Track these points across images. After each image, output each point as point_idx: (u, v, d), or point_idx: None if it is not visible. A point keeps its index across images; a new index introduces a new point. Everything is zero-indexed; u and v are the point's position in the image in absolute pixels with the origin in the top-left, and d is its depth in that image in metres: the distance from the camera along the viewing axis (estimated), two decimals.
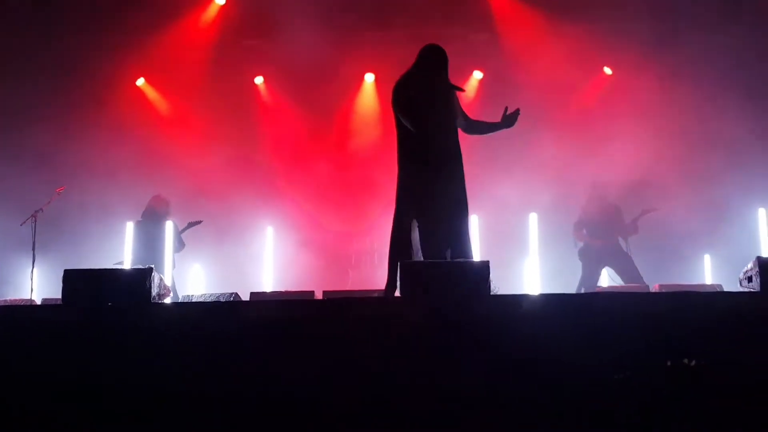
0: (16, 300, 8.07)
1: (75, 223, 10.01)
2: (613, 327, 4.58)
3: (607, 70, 10.83)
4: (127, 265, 8.95)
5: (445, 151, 5.80)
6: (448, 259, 5.66)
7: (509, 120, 5.98)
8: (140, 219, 9.11)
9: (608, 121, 10.33)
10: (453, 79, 5.94)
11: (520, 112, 5.96)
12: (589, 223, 9.10)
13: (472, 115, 6.22)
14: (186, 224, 9.28)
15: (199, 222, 9.33)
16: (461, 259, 5.51)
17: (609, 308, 4.71)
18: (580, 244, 9.14)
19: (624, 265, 8.92)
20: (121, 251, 9.43)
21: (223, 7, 10.62)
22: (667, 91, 9.97)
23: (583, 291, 8.78)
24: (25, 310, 5.73)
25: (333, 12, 10.26)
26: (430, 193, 5.76)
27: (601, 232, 9.00)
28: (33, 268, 8.14)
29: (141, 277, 5.10)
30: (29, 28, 10.33)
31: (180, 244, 9.25)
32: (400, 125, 5.89)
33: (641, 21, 10.17)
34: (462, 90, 5.97)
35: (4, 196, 9.67)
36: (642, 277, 8.73)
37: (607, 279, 9.26)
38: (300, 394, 4.49)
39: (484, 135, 6.25)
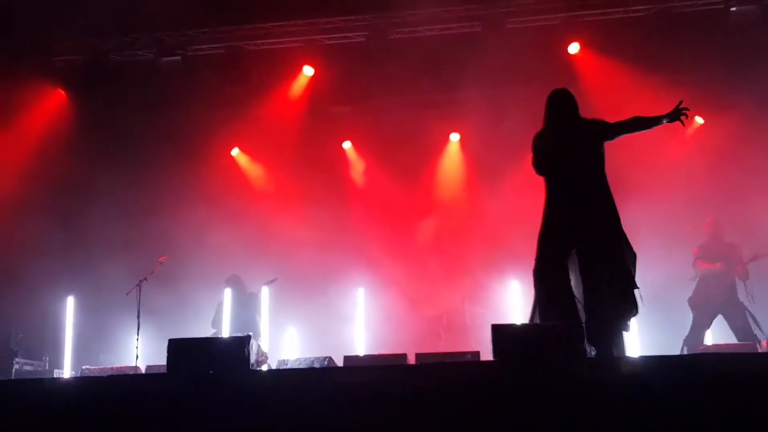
0: (122, 367, 8.38)
1: (176, 292, 10.36)
2: (719, 390, 4.42)
3: (699, 120, 10.61)
4: (225, 332, 9.25)
5: (576, 193, 5.64)
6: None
7: (675, 114, 5.71)
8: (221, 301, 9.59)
9: (699, 167, 10.11)
10: (535, 129, 5.91)
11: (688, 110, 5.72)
12: (705, 255, 8.99)
13: None
14: (264, 283, 9.62)
15: (275, 280, 9.61)
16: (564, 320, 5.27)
17: (713, 371, 4.55)
18: (695, 284, 8.92)
19: (736, 316, 8.60)
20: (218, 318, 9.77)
21: (311, 78, 10.99)
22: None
23: (685, 348, 8.47)
24: (131, 379, 5.97)
25: (413, 79, 10.47)
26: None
27: (720, 259, 8.87)
28: (137, 335, 8.44)
29: (240, 345, 5.26)
30: (136, 106, 10.97)
31: (259, 312, 9.69)
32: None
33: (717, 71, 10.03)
34: (597, 120, 5.82)
35: (115, 265, 10.11)
36: (754, 333, 8.37)
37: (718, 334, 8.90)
38: None
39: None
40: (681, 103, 5.71)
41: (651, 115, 5.84)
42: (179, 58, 10.70)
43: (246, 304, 9.66)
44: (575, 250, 5.55)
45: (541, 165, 5.73)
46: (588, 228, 5.53)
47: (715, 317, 8.82)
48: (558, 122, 5.75)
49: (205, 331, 9.56)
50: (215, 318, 9.80)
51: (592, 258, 5.49)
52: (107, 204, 10.78)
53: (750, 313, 8.63)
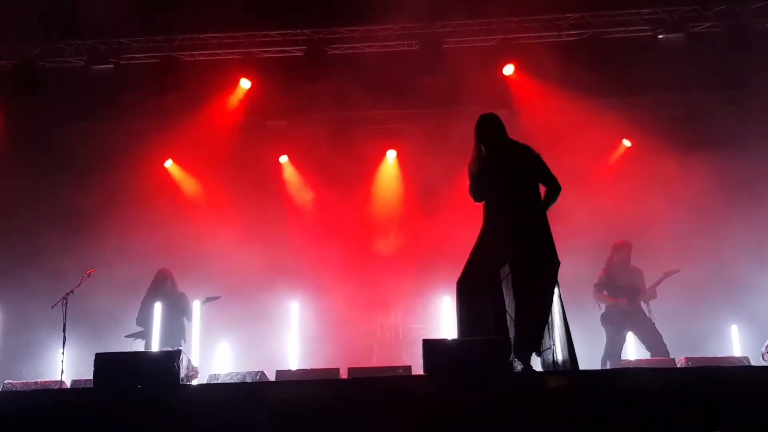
0: (47, 382, 8.13)
1: (105, 305, 10.14)
2: (641, 402, 4.57)
3: (626, 143, 10.97)
4: (155, 344, 9.05)
5: (510, 214, 5.78)
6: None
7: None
8: (147, 296, 9.29)
9: (624, 190, 10.43)
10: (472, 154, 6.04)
11: None
12: (611, 284, 9.04)
13: None
14: (204, 299, 9.39)
15: (218, 298, 9.40)
16: (487, 337, 5.41)
17: (635, 384, 4.70)
18: (602, 308, 9.05)
19: (648, 334, 8.80)
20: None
21: (248, 90, 10.94)
22: (690, 164, 10.07)
23: (608, 363, 8.67)
24: (56, 394, 5.82)
25: (351, 94, 10.55)
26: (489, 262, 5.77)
27: (624, 293, 8.94)
28: (63, 349, 8.22)
29: (170, 360, 5.20)
30: (67, 116, 10.74)
31: (188, 316, 9.37)
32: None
33: (658, 95, 10.42)
34: (526, 147, 5.97)
35: (36, 278, 9.86)
36: (666, 347, 8.62)
37: (634, 347, 9.08)
38: None
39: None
40: None
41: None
42: (112, 66, 10.50)
43: (175, 304, 9.32)
44: (508, 266, 5.69)
45: (476, 192, 5.90)
46: (520, 247, 5.66)
47: (627, 332, 9.02)
48: (488, 147, 5.90)
49: (131, 341, 9.29)
50: (140, 315, 9.42)
51: (523, 275, 5.62)
52: (33, 215, 10.53)
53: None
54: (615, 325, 8.91)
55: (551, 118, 10.41)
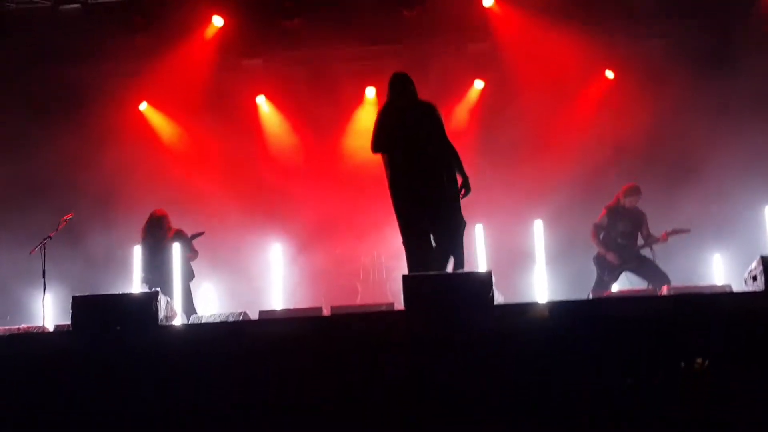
0: (30, 327, 8.09)
1: (84, 250, 10.05)
2: (621, 332, 4.58)
3: (609, 74, 10.84)
4: (137, 287, 8.93)
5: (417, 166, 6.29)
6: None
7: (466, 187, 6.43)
8: (143, 238, 9.00)
9: (609, 124, 10.36)
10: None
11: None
12: (610, 228, 8.83)
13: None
14: (189, 236, 9.17)
15: (201, 233, 9.19)
16: (462, 270, 5.68)
17: (615, 314, 4.71)
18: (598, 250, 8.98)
19: (645, 269, 8.72)
20: (130, 275, 9.45)
21: (221, 28, 10.67)
22: (671, 93, 9.97)
23: (591, 296, 8.68)
24: (36, 337, 5.78)
25: (330, 30, 10.31)
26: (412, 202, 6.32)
27: (616, 246, 8.86)
28: (44, 295, 8.17)
29: (148, 301, 5.15)
30: (35, 59, 10.46)
31: (193, 253, 9.09)
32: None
33: (644, 25, 10.25)
34: (432, 106, 6.48)
35: (13, 224, 9.73)
36: (666, 275, 8.60)
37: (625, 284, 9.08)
38: (310, 407, 4.51)
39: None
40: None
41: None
42: (79, 6, 10.17)
43: (167, 249, 9.00)
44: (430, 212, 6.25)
45: (380, 142, 6.38)
46: (438, 194, 6.26)
47: (620, 273, 8.99)
48: (399, 102, 6.42)
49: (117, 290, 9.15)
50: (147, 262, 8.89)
51: (445, 219, 6.26)
52: (7, 160, 10.32)
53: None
54: (604, 269, 8.85)
55: (532, 47, 10.27)
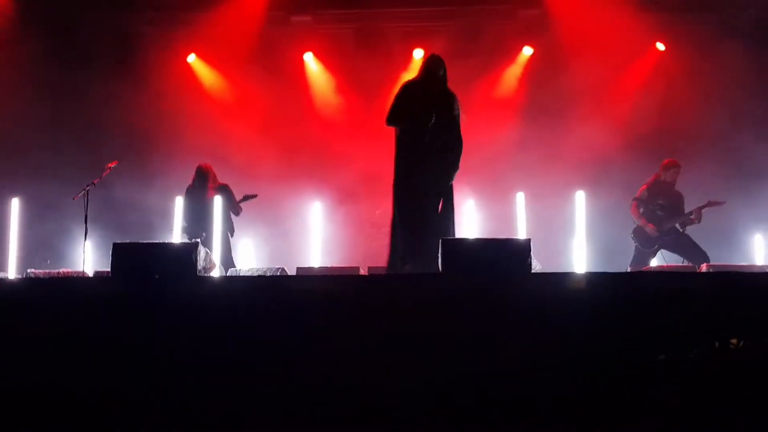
0: (69, 272, 8.27)
1: (128, 197, 10.19)
2: (658, 306, 4.53)
3: (660, 46, 10.58)
4: (177, 237, 9.05)
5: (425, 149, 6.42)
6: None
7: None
8: (187, 189, 9.05)
9: (657, 98, 10.15)
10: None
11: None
12: (650, 202, 8.81)
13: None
14: (242, 197, 9.21)
15: (254, 196, 9.23)
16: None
17: (653, 288, 4.65)
18: (635, 222, 8.93)
19: (683, 247, 8.69)
20: (170, 225, 9.59)
21: None
22: (722, 69, 9.72)
23: (630, 270, 8.61)
24: (75, 282, 5.90)
25: None
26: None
27: (657, 218, 8.78)
28: (85, 240, 8.31)
29: (187, 251, 5.21)
30: (88, 4, 10.57)
31: (237, 208, 9.10)
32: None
33: None
34: (454, 96, 6.54)
35: (59, 171, 9.89)
36: (705, 253, 8.52)
37: (662, 262, 8.99)
38: (342, 366, 4.54)
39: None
40: None
41: None
42: None
43: (210, 202, 8.83)
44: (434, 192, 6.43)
45: (398, 116, 6.45)
46: (444, 177, 6.46)
47: (658, 250, 8.94)
48: (427, 82, 6.47)
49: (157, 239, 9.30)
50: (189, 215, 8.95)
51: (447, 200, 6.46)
52: (57, 108, 10.46)
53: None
54: (643, 242, 8.84)
55: (583, 17, 10.06)
